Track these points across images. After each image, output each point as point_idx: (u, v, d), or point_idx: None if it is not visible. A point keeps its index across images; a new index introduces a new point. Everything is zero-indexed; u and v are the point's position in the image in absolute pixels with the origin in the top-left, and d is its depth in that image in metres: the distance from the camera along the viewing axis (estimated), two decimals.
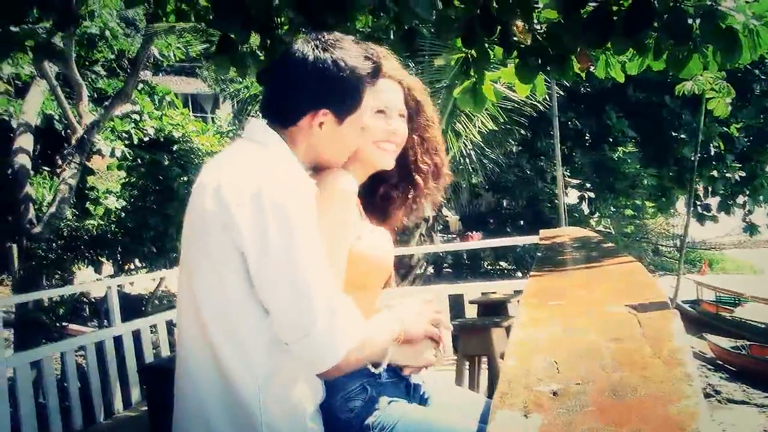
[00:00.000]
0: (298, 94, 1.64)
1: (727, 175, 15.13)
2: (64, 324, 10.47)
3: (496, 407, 0.84)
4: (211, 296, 1.52)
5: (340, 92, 1.63)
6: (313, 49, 1.63)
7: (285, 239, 1.44)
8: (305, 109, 1.63)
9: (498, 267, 17.26)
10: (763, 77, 14.81)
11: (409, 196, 1.92)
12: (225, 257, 1.49)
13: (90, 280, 11.38)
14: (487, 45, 3.87)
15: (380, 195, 1.90)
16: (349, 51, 1.65)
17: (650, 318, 1.24)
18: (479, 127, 10.78)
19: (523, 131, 12.82)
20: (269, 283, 1.46)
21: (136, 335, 6.51)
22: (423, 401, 1.81)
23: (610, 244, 3.31)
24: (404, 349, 1.68)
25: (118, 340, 6.24)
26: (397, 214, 1.94)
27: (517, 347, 1.15)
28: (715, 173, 15.23)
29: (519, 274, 14.74)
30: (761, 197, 15.52)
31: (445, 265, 18.06)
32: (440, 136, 1.96)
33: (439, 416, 1.66)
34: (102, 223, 11.17)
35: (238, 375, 1.50)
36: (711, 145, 14.97)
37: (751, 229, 15.99)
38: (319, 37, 1.66)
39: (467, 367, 4.89)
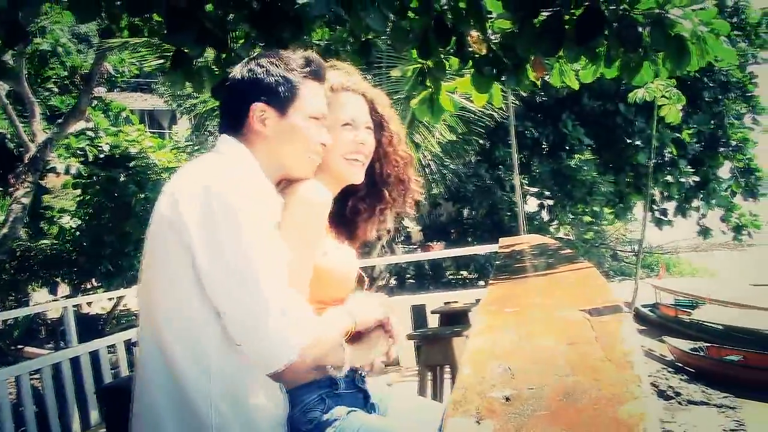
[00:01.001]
0: (235, 97, 1.69)
1: (681, 180, 15.49)
2: (19, 347, 10.24)
3: (449, 415, 0.84)
4: (164, 298, 1.52)
5: (273, 84, 1.66)
6: (250, 59, 1.71)
7: (233, 238, 1.44)
8: (245, 108, 1.66)
9: (460, 276, 17.33)
10: (712, 84, 15.22)
11: (377, 209, 1.93)
12: (175, 257, 1.49)
13: (46, 301, 11.13)
14: (442, 55, 3.90)
15: (349, 208, 1.91)
16: (284, 53, 1.72)
17: (603, 322, 1.26)
18: (438, 138, 10.84)
19: (481, 141, 12.94)
20: (219, 283, 1.45)
21: (94, 356, 6.39)
22: (382, 411, 1.81)
23: (567, 251, 3.35)
24: (358, 346, 1.67)
25: (75, 362, 6.11)
26: (365, 228, 1.94)
27: (472, 355, 1.15)
28: (669, 178, 15.58)
29: (481, 282, 14.82)
30: (714, 201, 15.90)
31: (407, 275, 18.08)
32: (407, 149, 1.97)
33: (398, 425, 1.66)
34: (57, 242, 10.96)
35: (189, 376, 1.48)
36: (665, 151, 15.33)
37: (705, 232, 16.35)
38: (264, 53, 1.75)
39: (430, 377, 4.88)
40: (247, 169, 1.59)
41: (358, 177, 1.83)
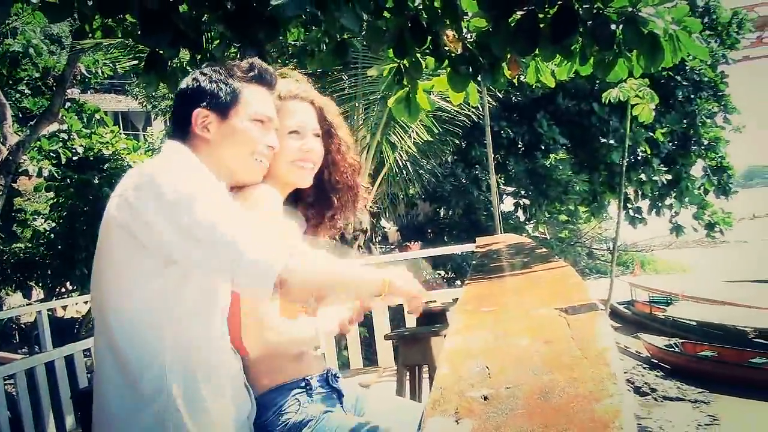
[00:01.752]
0: (181, 105, 1.71)
1: (654, 178, 15.64)
2: None
3: (428, 415, 0.84)
4: (117, 300, 1.51)
5: (214, 89, 1.69)
6: (196, 70, 1.77)
7: (193, 208, 1.44)
8: (187, 115, 1.68)
9: (437, 275, 17.37)
10: (684, 83, 15.39)
11: (326, 216, 1.95)
12: (127, 257, 1.49)
13: (19, 305, 10.98)
14: (418, 55, 3.91)
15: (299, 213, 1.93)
16: (230, 63, 1.76)
17: (579, 320, 1.27)
18: (414, 138, 10.86)
19: (457, 141, 12.97)
20: (193, 247, 1.44)
21: (69, 360, 6.32)
22: (358, 412, 1.81)
23: (543, 250, 3.37)
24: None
25: (50, 366, 6.04)
26: (316, 233, 1.96)
27: (450, 354, 1.16)
28: (643, 177, 15.73)
29: (458, 282, 14.85)
30: (686, 199, 16.09)
31: None
32: (356, 157, 1.98)
33: (373, 426, 1.66)
34: (30, 245, 10.81)
35: (144, 377, 1.48)
36: (638, 149, 15.47)
37: (677, 229, 16.53)
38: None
39: (408, 377, 4.89)
40: (193, 164, 1.60)
41: (305, 181, 1.84)
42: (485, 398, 0.87)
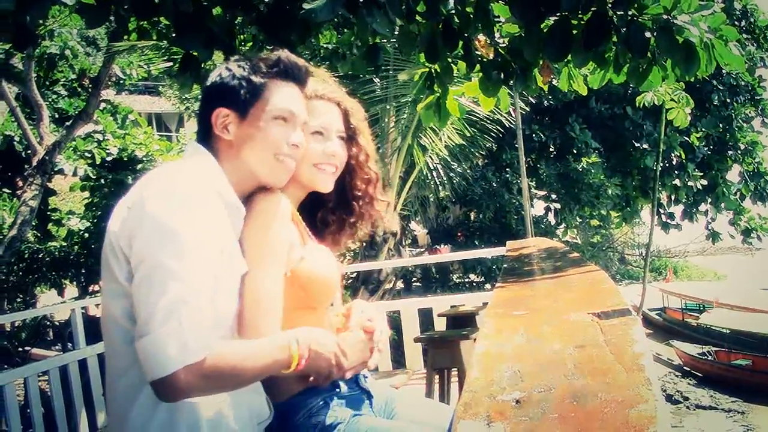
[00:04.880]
0: (204, 104, 1.66)
1: (689, 183, 15.42)
2: (26, 349, 10.27)
3: (459, 418, 0.84)
4: (104, 309, 1.52)
5: (235, 87, 1.61)
6: (221, 64, 1.68)
7: (156, 242, 1.38)
8: (208, 115, 1.62)
9: (467, 280, 17.28)
10: (721, 87, 15.17)
11: (347, 222, 1.89)
12: (108, 269, 1.48)
13: (53, 304, 11.15)
14: (450, 60, 3.91)
15: (318, 219, 1.88)
16: (258, 56, 1.68)
17: (612, 325, 1.26)
18: (445, 141, 10.84)
19: (488, 144, 12.92)
20: (137, 285, 1.39)
21: (102, 358, 6.39)
22: (389, 415, 1.81)
23: (575, 254, 3.34)
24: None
25: (82, 364, 6.11)
26: (336, 239, 1.90)
27: (481, 358, 1.15)
28: (677, 182, 15.53)
29: (488, 286, 14.78)
30: (723, 205, 15.84)
31: (413, 279, 18.06)
32: (375, 167, 1.90)
33: (404, 428, 1.65)
34: (65, 244, 10.98)
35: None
36: (672, 154, 15.28)
37: (713, 236, 16.29)
38: None
39: (437, 380, 4.88)
40: (204, 181, 1.51)
41: (327, 185, 1.77)
42: (517, 402, 0.87)
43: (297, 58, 1.70)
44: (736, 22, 14.56)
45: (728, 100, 15.43)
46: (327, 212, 1.88)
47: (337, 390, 1.66)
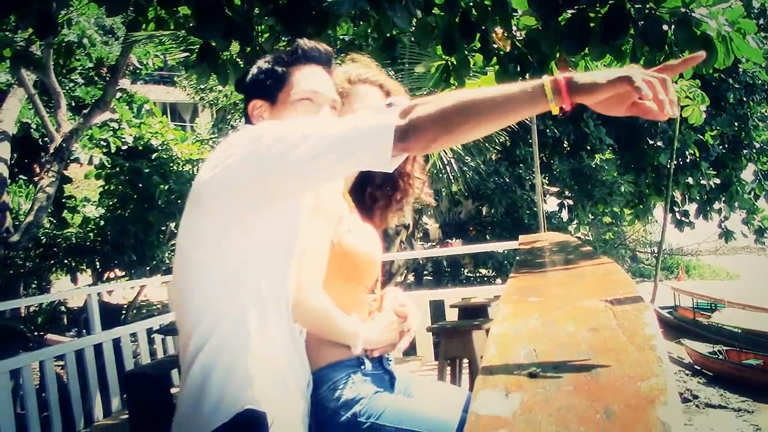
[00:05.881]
0: (245, 102, 1.77)
1: (703, 182, 15.35)
2: (41, 333, 10.39)
3: (479, 388, 0.88)
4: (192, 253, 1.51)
5: (263, 78, 1.73)
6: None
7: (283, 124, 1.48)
8: (246, 107, 1.75)
9: (478, 274, 17.31)
10: (737, 86, 15.06)
11: (394, 198, 1.99)
12: (199, 214, 1.48)
13: (68, 290, 11.28)
14: (467, 52, 3.93)
15: (367, 195, 1.98)
16: (280, 49, 1.78)
17: (625, 310, 1.29)
18: None
19: (502, 139, 12.91)
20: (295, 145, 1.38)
21: (116, 343, 6.48)
22: (407, 395, 1.86)
23: (588, 248, 3.37)
24: (371, 329, 1.75)
25: (98, 349, 6.20)
26: (384, 215, 2.00)
27: (497, 338, 1.19)
28: (690, 180, 15.46)
29: (499, 280, 14.80)
30: (736, 204, 15.75)
31: (425, 272, 18.09)
32: None
33: (423, 406, 1.71)
34: (80, 231, 11.08)
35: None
36: (687, 152, 15.19)
37: (726, 235, 16.22)
38: None
39: (448, 370, 4.92)
40: None
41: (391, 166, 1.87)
42: (533, 376, 0.91)
43: (316, 42, 1.79)
44: (754, 20, 14.44)
45: (744, 99, 15.32)
46: (375, 188, 1.98)
47: (362, 367, 1.72)
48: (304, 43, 1.75)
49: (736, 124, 15.45)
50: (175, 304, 1.54)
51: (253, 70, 1.77)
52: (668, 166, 13.42)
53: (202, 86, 20.28)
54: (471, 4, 3.68)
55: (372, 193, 1.98)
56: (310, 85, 1.71)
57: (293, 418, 1.52)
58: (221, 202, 1.45)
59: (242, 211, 1.44)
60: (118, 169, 10.88)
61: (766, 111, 15.91)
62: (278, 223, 1.50)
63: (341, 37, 6.16)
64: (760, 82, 15.37)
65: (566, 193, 16.24)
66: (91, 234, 10.85)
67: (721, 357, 15.08)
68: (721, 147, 15.77)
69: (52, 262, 10.38)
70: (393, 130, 1.29)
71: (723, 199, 15.85)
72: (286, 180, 1.39)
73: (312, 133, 1.36)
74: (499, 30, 3.82)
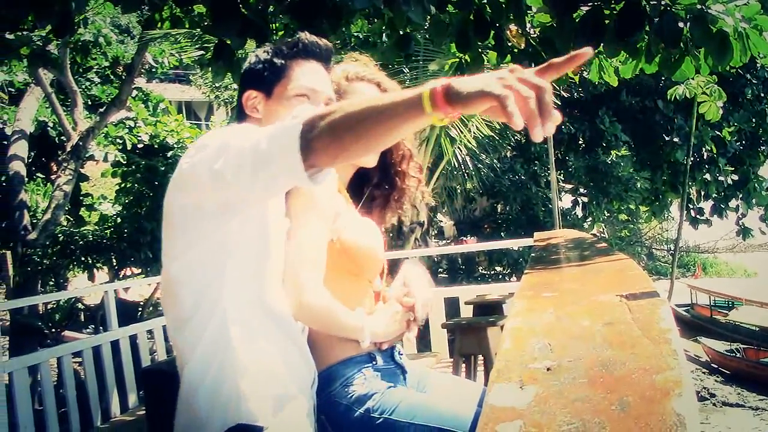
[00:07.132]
0: (239, 90, 1.76)
1: (720, 178, 15.24)
2: (59, 330, 10.47)
3: (493, 381, 0.89)
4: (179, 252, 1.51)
5: (260, 69, 1.71)
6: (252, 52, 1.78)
7: (219, 136, 1.42)
8: (240, 98, 1.73)
9: (493, 271, 17.27)
10: (754, 81, 14.94)
11: (392, 197, 1.99)
12: (181, 217, 1.48)
13: (85, 287, 11.35)
14: (480, 49, 3.92)
15: (366, 193, 1.98)
16: (281, 41, 1.77)
17: (640, 305, 1.29)
18: (474, 132, 10.83)
19: (517, 136, 12.88)
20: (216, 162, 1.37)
21: (133, 340, 6.52)
22: (421, 389, 1.87)
23: (603, 244, 3.36)
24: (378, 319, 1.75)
25: (115, 345, 6.23)
26: (382, 214, 2.00)
27: (512, 332, 1.19)
28: (708, 177, 15.35)
29: (514, 278, 14.76)
30: (754, 200, 15.62)
31: (440, 270, 18.09)
32: (408, 145, 1.99)
33: (437, 400, 1.71)
34: (97, 229, 11.15)
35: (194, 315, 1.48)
36: (704, 148, 15.10)
37: (744, 232, 16.09)
38: None
39: (463, 367, 4.92)
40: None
41: (371, 161, 1.86)
42: (548, 369, 0.91)
43: (318, 37, 1.77)
44: None
45: (762, 95, 15.20)
46: (373, 187, 1.98)
47: (374, 362, 1.72)
48: (306, 37, 1.74)
49: (753, 120, 15.32)
50: (166, 319, 1.56)
51: (251, 58, 1.75)
52: (685, 162, 13.32)
53: (217, 84, 20.40)
54: (485, 1, 3.67)
55: (370, 191, 1.99)
56: (309, 82, 1.70)
57: (295, 419, 1.51)
58: (176, 217, 1.47)
59: (198, 224, 1.44)
60: (134, 167, 10.93)
61: None
62: (245, 233, 1.48)
63: (355, 34, 6.17)
64: None
65: (581, 189, 16.18)
66: (107, 231, 10.90)
67: (738, 355, 14.96)
68: (738, 143, 15.65)
69: (70, 259, 10.43)
70: (298, 148, 1.23)
71: (740, 195, 15.73)
72: (217, 194, 1.39)
73: (233, 145, 1.33)
74: (513, 27, 3.81)
